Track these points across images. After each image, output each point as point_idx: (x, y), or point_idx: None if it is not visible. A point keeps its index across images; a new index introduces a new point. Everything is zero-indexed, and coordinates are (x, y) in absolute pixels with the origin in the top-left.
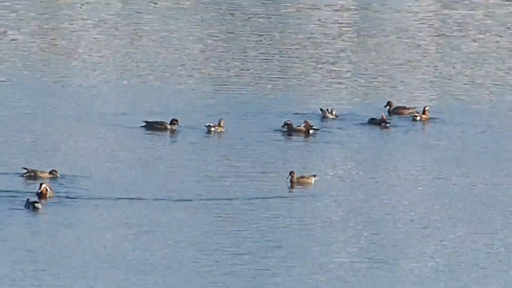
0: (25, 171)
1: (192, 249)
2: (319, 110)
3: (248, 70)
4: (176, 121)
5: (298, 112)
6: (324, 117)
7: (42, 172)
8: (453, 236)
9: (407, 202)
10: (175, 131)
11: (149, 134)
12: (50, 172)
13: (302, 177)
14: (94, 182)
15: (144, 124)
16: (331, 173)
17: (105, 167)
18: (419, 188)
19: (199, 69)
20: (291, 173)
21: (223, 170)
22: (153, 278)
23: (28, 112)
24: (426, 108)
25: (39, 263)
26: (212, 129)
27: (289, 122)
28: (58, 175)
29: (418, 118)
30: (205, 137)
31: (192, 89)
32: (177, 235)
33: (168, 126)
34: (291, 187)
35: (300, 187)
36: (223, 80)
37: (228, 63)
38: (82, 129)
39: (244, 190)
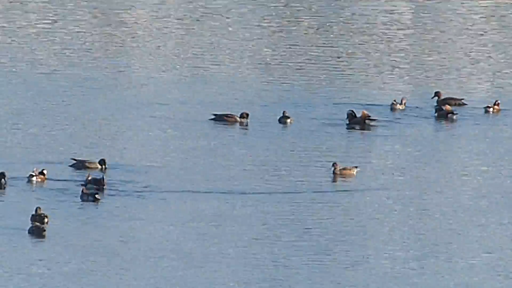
0: (74, 161)
1: (254, 242)
2: (390, 101)
3: (310, 60)
4: (247, 114)
5: (369, 103)
6: (392, 108)
7: (90, 162)
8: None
9: (463, 197)
10: (244, 124)
11: (217, 127)
12: (99, 162)
13: (344, 168)
14: (157, 174)
15: (213, 117)
16: (390, 165)
17: (170, 160)
18: (479, 183)
19: (262, 60)
20: (334, 164)
21: (286, 163)
22: (212, 271)
23: (89, 103)
24: (497, 102)
25: (98, 256)
26: (288, 120)
27: (351, 112)
28: (106, 166)
29: (490, 110)
30: (274, 129)
31: (256, 81)
32: (238, 228)
33: (238, 119)
34: (334, 179)
35: (343, 178)
36: (286, 71)
37: (290, 54)
38: (147, 121)
39: (305, 182)
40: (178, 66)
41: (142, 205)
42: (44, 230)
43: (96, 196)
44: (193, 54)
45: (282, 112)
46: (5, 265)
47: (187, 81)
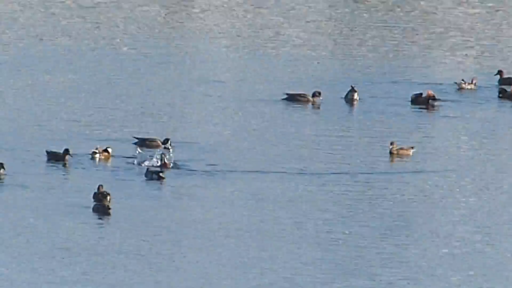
0: (136, 139)
1: (321, 222)
2: (457, 81)
3: (377, 38)
4: (319, 93)
5: (436, 82)
6: (460, 88)
7: (152, 141)
8: None
9: None
10: (317, 103)
11: (290, 106)
12: (163, 142)
13: (401, 148)
14: (224, 153)
15: (285, 96)
16: (450, 146)
17: (238, 139)
18: None
19: (329, 38)
20: (391, 143)
21: (350, 143)
22: (278, 251)
23: (155, 80)
24: None
25: (162, 235)
26: (356, 94)
27: (421, 92)
28: (170, 147)
29: None
30: (342, 108)
31: (323, 59)
32: (304, 208)
33: (310, 99)
34: (391, 158)
35: (399, 158)
36: (353, 51)
37: (357, 32)
38: (216, 100)
39: (365, 162)
40: (245, 44)
41: (206, 184)
42: (110, 208)
43: (161, 174)
44: (258, 32)
45: (350, 87)
46: (69, 243)
47: (255, 59)
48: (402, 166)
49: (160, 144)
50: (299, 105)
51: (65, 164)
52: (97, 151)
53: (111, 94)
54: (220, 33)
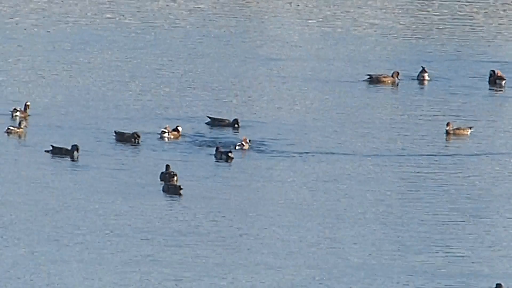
0: (209, 119)
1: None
2: None
3: (454, 19)
4: (398, 74)
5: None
6: None
7: (222, 121)
8: None
9: None
10: (396, 84)
11: (370, 87)
12: (232, 123)
13: (458, 128)
14: (295, 134)
15: (367, 77)
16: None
17: (309, 120)
18: None
19: (402, 22)
20: (448, 124)
21: (416, 124)
22: (345, 230)
23: (232, 62)
24: None
25: (231, 215)
26: (426, 75)
27: (494, 71)
28: (239, 125)
29: None
30: (413, 89)
31: (398, 40)
32: (370, 188)
33: (391, 79)
34: (447, 138)
35: (455, 138)
36: (427, 30)
37: (429, 16)
38: (291, 80)
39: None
40: (318, 25)
41: (277, 165)
42: (181, 188)
43: (229, 154)
44: (332, 13)
45: (421, 68)
46: (140, 223)
47: (329, 40)
48: (463, 147)
49: (229, 124)
50: (380, 86)
51: (135, 143)
52: (166, 131)
53: (179, 72)
54: (295, 13)
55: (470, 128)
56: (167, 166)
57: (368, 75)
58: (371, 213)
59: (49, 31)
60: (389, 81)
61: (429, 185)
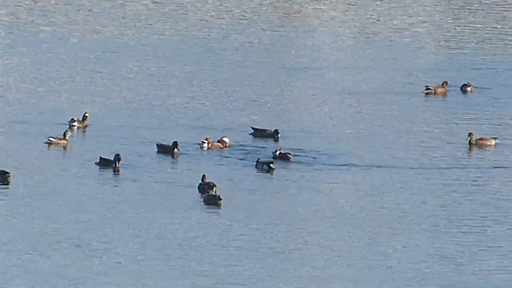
0: (252, 130)
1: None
2: None
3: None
4: (447, 83)
5: None
6: None
7: (264, 131)
8: None
9: None
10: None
11: (428, 99)
12: (272, 133)
13: (481, 139)
14: (335, 145)
15: (425, 90)
16: None
17: (354, 130)
18: None
19: (440, 30)
20: (470, 134)
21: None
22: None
23: (273, 72)
24: None
25: (272, 226)
26: (469, 89)
27: None
28: (279, 135)
29: None
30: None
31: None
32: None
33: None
34: (470, 148)
35: (479, 149)
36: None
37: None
38: (332, 92)
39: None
40: (355, 33)
41: (318, 175)
42: (220, 199)
43: (271, 165)
44: (368, 21)
45: (465, 82)
46: (180, 234)
47: (371, 49)
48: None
49: (271, 134)
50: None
51: (173, 155)
52: (205, 141)
53: (221, 82)
54: (335, 22)
55: (495, 138)
56: (203, 177)
57: (427, 87)
58: (416, 223)
59: (97, 41)
60: (442, 92)
61: (477, 197)
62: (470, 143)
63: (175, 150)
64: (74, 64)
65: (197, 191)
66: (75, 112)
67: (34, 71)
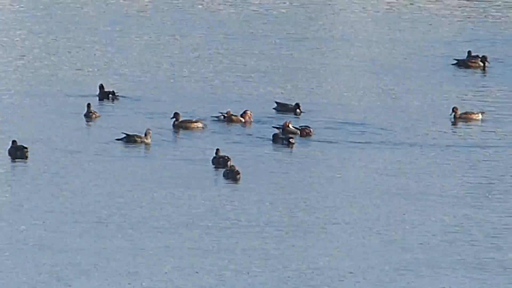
0: (275, 104)
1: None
2: None
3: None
4: (485, 58)
5: None
6: None
7: (287, 105)
8: None
9: None
10: (481, 68)
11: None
12: (293, 107)
13: (466, 113)
14: (357, 124)
15: (455, 62)
16: None
17: (379, 108)
18: None
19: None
20: (453, 109)
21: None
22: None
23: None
24: None
25: (288, 201)
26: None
27: None
28: (302, 111)
29: None
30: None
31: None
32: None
33: (481, 64)
34: (455, 123)
35: (464, 123)
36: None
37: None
38: (357, 71)
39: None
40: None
41: (337, 152)
42: (238, 174)
43: (291, 140)
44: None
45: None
46: (199, 207)
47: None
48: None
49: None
50: (468, 71)
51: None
52: (225, 115)
53: (250, 59)
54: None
55: (483, 113)
56: (217, 150)
57: (456, 59)
58: (437, 200)
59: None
60: (479, 65)
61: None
62: (454, 117)
63: (200, 123)
64: (94, 38)
65: (211, 164)
66: (93, 87)
67: (54, 45)
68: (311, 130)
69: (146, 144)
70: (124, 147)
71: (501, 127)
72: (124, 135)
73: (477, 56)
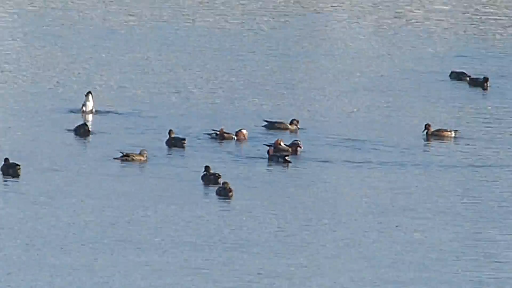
0: (266, 123)
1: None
2: None
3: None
4: (486, 79)
5: None
6: None
7: (281, 123)
8: None
9: None
10: (485, 88)
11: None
12: (290, 122)
13: (438, 130)
14: (351, 143)
15: (450, 73)
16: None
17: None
18: None
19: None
20: (426, 125)
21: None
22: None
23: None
24: None
25: (283, 219)
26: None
27: None
28: (298, 127)
29: None
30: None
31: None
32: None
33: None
34: (427, 139)
35: (438, 140)
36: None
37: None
38: (352, 91)
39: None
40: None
41: (332, 171)
42: (231, 191)
43: (286, 158)
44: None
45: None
46: (190, 225)
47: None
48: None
49: (288, 127)
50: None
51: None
52: (213, 132)
53: (242, 79)
54: (350, 11)
55: (456, 131)
56: (207, 167)
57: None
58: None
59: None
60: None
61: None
62: (427, 134)
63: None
64: (88, 53)
65: (201, 181)
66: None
67: (48, 59)
68: (299, 141)
69: (142, 162)
70: (119, 165)
71: (474, 145)
72: (121, 154)
73: (463, 73)
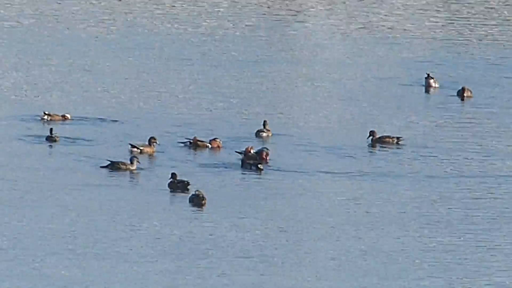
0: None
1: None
2: None
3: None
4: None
5: None
6: None
7: (262, 131)
8: None
9: None
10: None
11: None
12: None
13: (382, 137)
14: (323, 152)
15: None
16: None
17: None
18: None
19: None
20: (371, 132)
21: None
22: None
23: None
24: None
25: (256, 229)
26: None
27: None
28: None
29: None
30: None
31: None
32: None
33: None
34: (373, 145)
35: (382, 146)
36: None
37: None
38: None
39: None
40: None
41: (305, 181)
42: (204, 199)
43: (259, 166)
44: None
45: (461, 88)
46: (165, 233)
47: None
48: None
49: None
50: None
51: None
52: (191, 141)
53: (222, 88)
54: (328, 17)
55: (399, 138)
56: (173, 174)
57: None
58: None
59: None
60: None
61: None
62: (372, 140)
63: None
64: (78, 61)
65: (168, 189)
66: (72, 109)
67: (34, 67)
68: (266, 149)
69: (132, 171)
70: (101, 174)
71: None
72: (109, 162)
73: (429, 76)
